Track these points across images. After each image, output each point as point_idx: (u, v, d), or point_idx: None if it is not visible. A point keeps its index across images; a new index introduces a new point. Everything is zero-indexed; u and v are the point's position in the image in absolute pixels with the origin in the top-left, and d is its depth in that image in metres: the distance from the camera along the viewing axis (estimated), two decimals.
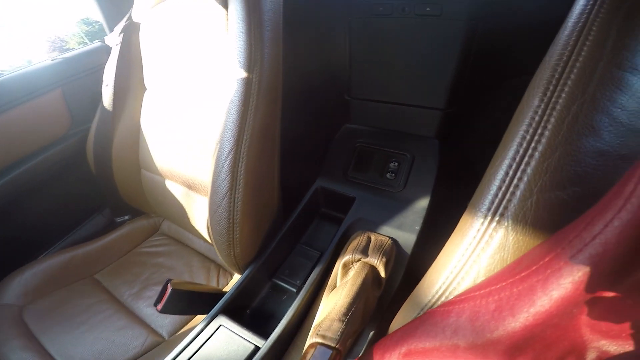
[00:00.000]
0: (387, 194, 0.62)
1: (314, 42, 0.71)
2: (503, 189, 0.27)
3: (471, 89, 0.60)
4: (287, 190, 0.67)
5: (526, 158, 0.26)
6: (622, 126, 0.26)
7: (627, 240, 0.18)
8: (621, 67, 0.26)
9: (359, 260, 0.52)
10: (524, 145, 0.27)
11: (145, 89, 0.79)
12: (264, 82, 0.48)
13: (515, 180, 0.27)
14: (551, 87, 0.27)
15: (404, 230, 0.56)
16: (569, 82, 0.26)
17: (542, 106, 0.27)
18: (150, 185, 0.82)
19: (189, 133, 0.65)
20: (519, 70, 0.56)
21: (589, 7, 0.27)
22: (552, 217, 0.26)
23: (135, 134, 0.81)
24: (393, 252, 0.54)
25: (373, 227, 0.58)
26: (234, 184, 0.48)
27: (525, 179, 0.26)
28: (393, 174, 0.64)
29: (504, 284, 0.24)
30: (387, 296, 0.51)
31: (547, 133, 0.26)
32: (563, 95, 0.26)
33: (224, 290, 0.56)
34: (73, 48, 0.94)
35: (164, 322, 0.68)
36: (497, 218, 0.28)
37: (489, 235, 0.28)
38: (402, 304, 0.37)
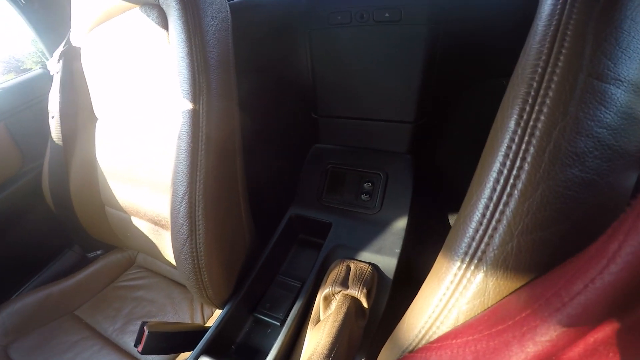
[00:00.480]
0: (364, 216, 0.59)
1: (275, 59, 0.66)
2: (480, 232, 0.24)
3: (440, 97, 0.57)
4: (262, 219, 0.63)
5: (504, 197, 0.23)
6: (609, 149, 0.23)
7: (607, 301, 0.17)
8: (603, 79, 0.23)
9: (340, 292, 0.48)
10: (501, 182, 0.23)
11: (96, 118, 0.72)
12: (213, 111, 0.43)
13: (493, 223, 0.23)
14: (527, 108, 0.23)
15: (383, 254, 0.53)
16: (547, 101, 0.23)
17: (519, 132, 0.23)
18: (116, 222, 0.78)
19: (147, 167, 0.60)
20: (491, 72, 0.53)
21: (559, 6, 0.23)
22: (534, 258, 0.23)
23: (93, 168, 0.75)
24: (374, 279, 0.50)
25: (352, 253, 0.54)
26: (194, 229, 0.44)
27: (504, 221, 0.23)
28: (368, 195, 0.60)
29: (480, 335, 0.23)
30: (373, 324, 0.49)
31: (526, 167, 0.22)
32: (542, 117, 0.22)
33: (208, 323, 0.52)
34: (31, 69, 0.87)
35: (154, 357, 0.65)
36: (475, 262, 0.25)
37: (467, 279, 0.25)
38: (390, 328, 0.36)
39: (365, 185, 0.61)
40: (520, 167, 0.22)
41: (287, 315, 0.51)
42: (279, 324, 0.53)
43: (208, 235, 0.44)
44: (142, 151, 0.60)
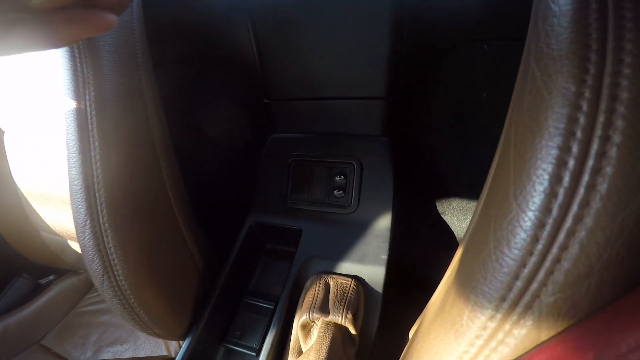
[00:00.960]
0: (339, 218, 0.49)
1: (208, 41, 0.54)
2: (530, 265, 0.14)
3: (414, 67, 0.47)
4: (218, 231, 0.52)
5: (575, 208, 0.13)
6: None
7: None
8: None
9: (320, 318, 0.38)
10: (566, 181, 0.14)
11: (2, 131, 0.58)
12: (108, 110, 0.30)
13: (554, 250, 0.14)
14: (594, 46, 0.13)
15: (368, 263, 0.44)
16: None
17: (588, 91, 0.13)
18: (56, 245, 0.72)
19: (62, 184, 0.47)
20: (471, 36, 0.44)
21: None
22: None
23: (11, 188, 0.62)
24: (360, 296, 0.41)
25: (329, 265, 0.45)
26: (108, 265, 0.32)
27: (575, 247, 0.13)
28: (341, 191, 0.50)
29: None
30: (366, 349, 0.40)
31: (614, 152, 0.13)
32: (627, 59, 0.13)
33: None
34: None
35: None
36: (519, 310, 0.16)
37: (506, 333, 0.16)
38: (388, 349, 0.33)
39: (337, 178, 0.50)
40: (602, 154, 0.12)
41: (262, 344, 0.43)
42: (254, 354, 0.46)
43: (130, 268, 0.33)
44: (55, 165, 0.47)
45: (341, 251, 0.45)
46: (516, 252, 0.15)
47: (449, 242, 0.61)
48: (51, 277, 0.87)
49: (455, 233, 0.60)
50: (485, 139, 0.52)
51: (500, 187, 0.17)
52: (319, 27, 0.43)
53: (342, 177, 0.49)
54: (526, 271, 0.14)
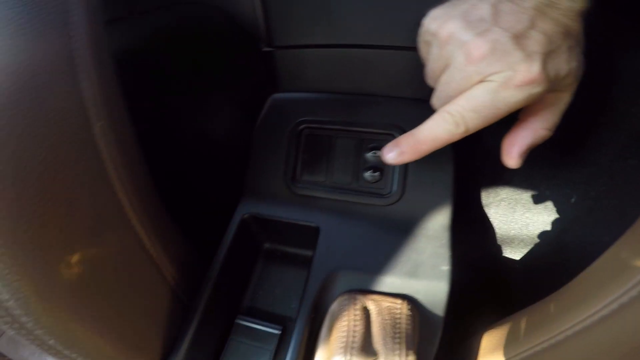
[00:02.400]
0: (373, 211, 0.35)
1: None
2: None
3: None
4: (197, 229, 0.38)
5: None
6: None
7: None
8: None
9: None
10: None
11: None
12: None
13: None
14: None
15: (422, 277, 0.31)
16: None
17: None
18: None
19: None
20: None
21: None
22: None
23: None
24: (417, 326, 0.28)
25: (365, 280, 0.31)
26: (15, 323, 0.17)
27: None
28: (376, 172, 0.35)
29: None
30: None
31: None
32: None
33: None
34: None
35: None
36: None
37: None
38: None
39: (370, 155, 0.36)
40: None
41: None
42: None
43: (29, 296, 0.18)
44: None
45: (381, 260, 0.32)
46: None
47: (487, 243, 0.50)
48: None
49: (498, 232, 0.49)
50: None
51: None
52: None
53: (378, 152, 0.35)
54: None
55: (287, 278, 0.39)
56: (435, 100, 0.28)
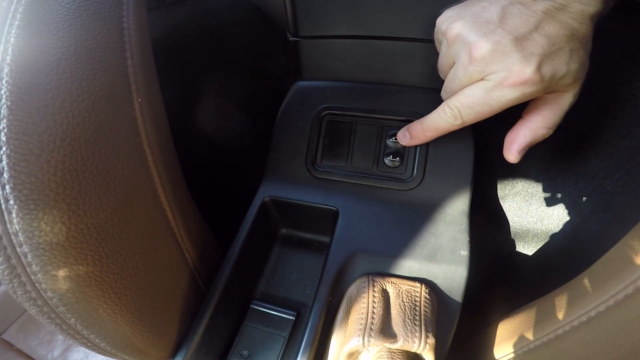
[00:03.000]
0: (393, 195, 0.35)
1: None
2: None
3: None
4: (216, 214, 0.38)
5: None
6: None
7: None
8: None
9: (380, 345, 0.25)
10: None
11: None
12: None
13: None
14: None
15: (442, 262, 0.31)
16: None
17: None
18: None
19: None
20: None
21: None
22: None
23: None
24: (435, 311, 0.28)
25: (384, 264, 0.32)
26: (17, 263, 0.18)
27: None
28: (397, 158, 0.36)
29: None
30: None
31: None
32: None
33: None
34: None
35: None
36: None
37: None
38: None
39: (391, 141, 0.36)
40: None
41: None
42: None
43: (58, 268, 0.18)
44: None
45: (400, 244, 0.32)
46: None
47: (502, 235, 0.50)
48: None
49: (512, 225, 0.49)
50: (572, 111, 0.42)
51: None
52: None
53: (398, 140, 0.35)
54: None
55: (303, 264, 0.39)
56: (443, 93, 0.32)
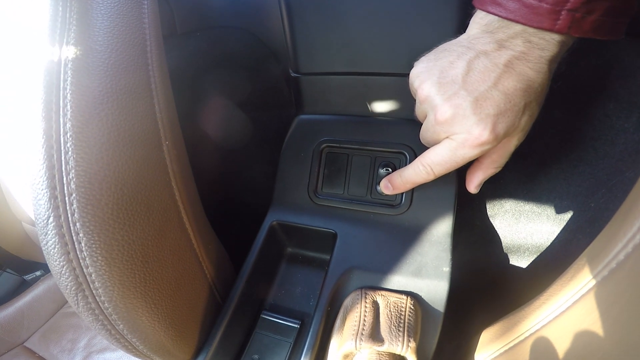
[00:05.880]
0: (385, 219, 0.40)
1: (227, 7, 0.45)
2: None
3: None
4: (229, 235, 0.43)
5: None
6: None
7: None
8: None
9: (370, 348, 0.30)
10: None
11: None
12: (91, 58, 0.22)
13: None
14: None
15: (426, 277, 0.35)
16: None
17: None
18: (38, 237, 0.60)
19: None
20: None
21: None
22: None
23: None
24: (419, 318, 0.32)
25: (376, 279, 0.36)
26: (83, 280, 0.23)
27: None
28: None
29: None
30: None
31: None
32: None
33: None
34: None
35: None
36: None
37: None
38: None
39: (382, 170, 0.41)
40: None
41: None
42: None
43: (114, 283, 0.24)
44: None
45: (390, 261, 0.36)
46: None
47: (494, 250, 0.53)
48: (37, 273, 0.84)
49: (504, 240, 0.52)
50: (553, 134, 0.45)
51: None
52: None
53: (389, 169, 0.40)
54: None
55: (307, 279, 0.44)
56: (420, 137, 0.36)
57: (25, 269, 0.83)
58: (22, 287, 0.84)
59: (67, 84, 0.23)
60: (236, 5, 0.50)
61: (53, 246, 0.22)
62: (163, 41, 0.32)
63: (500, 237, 0.52)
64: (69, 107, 0.23)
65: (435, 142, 0.32)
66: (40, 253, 0.70)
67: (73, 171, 0.23)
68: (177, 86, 0.35)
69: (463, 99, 0.27)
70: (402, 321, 0.31)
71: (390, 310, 0.32)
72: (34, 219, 0.23)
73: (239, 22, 0.51)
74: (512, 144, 0.30)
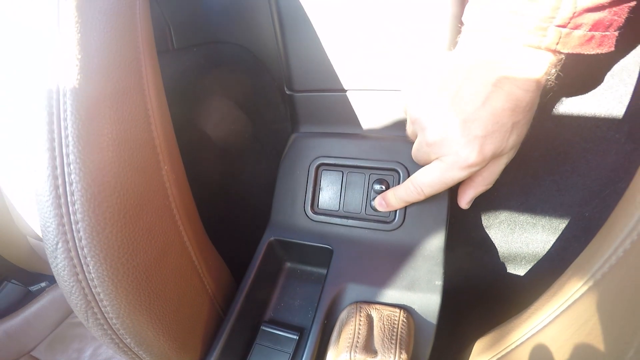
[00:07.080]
0: (379, 235, 0.41)
1: (222, 24, 0.48)
2: None
3: None
4: (228, 249, 0.45)
5: None
6: None
7: None
8: None
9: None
10: None
11: None
12: (93, 79, 0.24)
13: None
14: None
15: (419, 291, 0.36)
16: None
17: None
18: (43, 252, 0.70)
19: None
20: None
21: None
22: None
23: None
24: (411, 331, 0.33)
25: (370, 293, 0.37)
26: (92, 299, 0.25)
27: None
28: None
29: None
30: None
31: None
32: None
33: None
34: None
35: None
36: None
37: None
38: None
39: (377, 187, 0.42)
40: None
41: None
42: None
43: (121, 301, 0.25)
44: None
45: (384, 276, 0.37)
46: None
47: (490, 260, 0.54)
48: (43, 284, 0.85)
49: (500, 250, 0.53)
50: (547, 145, 0.45)
51: None
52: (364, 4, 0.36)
53: (383, 186, 0.42)
54: None
55: (305, 292, 0.45)
56: (412, 155, 0.37)
57: (30, 280, 0.85)
58: (27, 297, 0.86)
59: (66, 114, 0.25)
60: (232, 21, 0.52)
61: (63, 268, 0.24)
62: (159, 56, 0.33)
63: (497, 247, 0.53)
64: (70, 139, 0.24)
65: (427, 162, 0.33)
66: (45, 265, 0.72)
67: (78, 202, 0.24)
68: (175, 104, 0.36)
69: (451, 119, 0.28)
70: (394, 334, 0.32)
71: (383, 324, 0.33)
72: (43, 242, 0.25)
73: (235, 38, 0.53)
74: (501, 162, 0.31)
